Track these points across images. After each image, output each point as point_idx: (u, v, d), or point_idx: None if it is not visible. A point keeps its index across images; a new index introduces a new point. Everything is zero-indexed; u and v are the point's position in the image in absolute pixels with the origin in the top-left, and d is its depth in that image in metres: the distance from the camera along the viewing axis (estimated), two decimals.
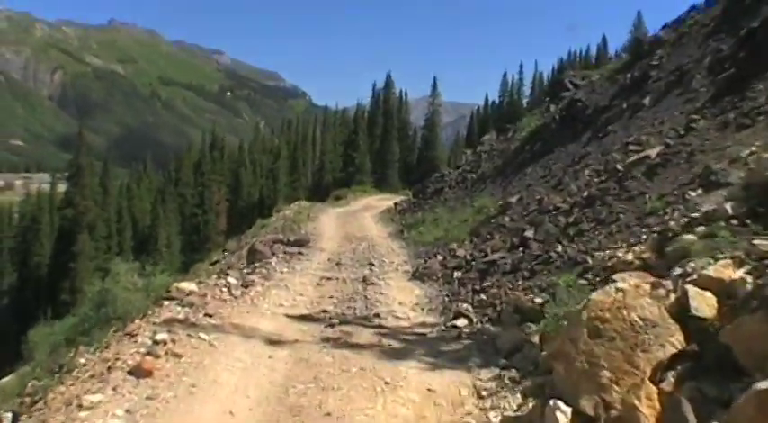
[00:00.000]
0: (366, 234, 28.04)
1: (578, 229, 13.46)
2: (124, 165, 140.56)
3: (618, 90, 22.65)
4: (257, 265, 17.72)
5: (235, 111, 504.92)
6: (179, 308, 11.29)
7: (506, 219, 18.54)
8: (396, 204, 42.04)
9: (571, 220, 14.27)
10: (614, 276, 7.96)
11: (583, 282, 10.40)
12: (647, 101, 19.93)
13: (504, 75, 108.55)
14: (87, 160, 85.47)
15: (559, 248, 13.00)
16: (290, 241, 22.09)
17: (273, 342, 9.91)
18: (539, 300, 10.58)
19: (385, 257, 20.55)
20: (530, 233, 15.19)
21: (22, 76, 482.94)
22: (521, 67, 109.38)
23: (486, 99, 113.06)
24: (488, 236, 17.94)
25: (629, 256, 10.28)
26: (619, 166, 15.59)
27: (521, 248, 14.87)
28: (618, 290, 6.66)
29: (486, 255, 15.98)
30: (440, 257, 18.22)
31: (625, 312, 6.41)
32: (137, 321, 10.91)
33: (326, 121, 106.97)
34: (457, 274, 15.82)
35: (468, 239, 19.23)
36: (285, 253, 19.85)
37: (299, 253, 20.19)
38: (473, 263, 16.07)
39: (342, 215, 39.23)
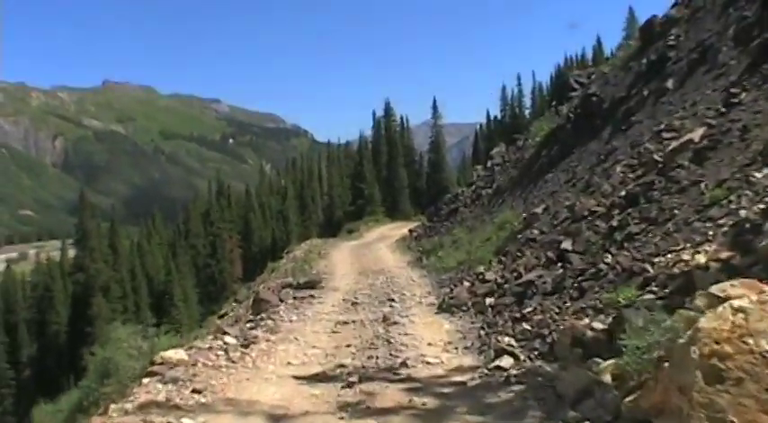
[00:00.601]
0: (382, 266, 26.12)
1: (627, 234, 11.42)
2: (136, 223, 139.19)
3: (634, 78, 20.69)
4: (263, 315, 15.70)
5: (239, 157, 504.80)
6: (160, 385, 9.20)
7: (535, 232, 16.49)
8: (410, 231, 40.19)
9: (614, 223, 12.22)
10: (713, 289, 5.96)
11: (648, 296, 8.38)
12: (670, 84, 17.96)
13: (503, 88, 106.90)
14: (93, 223, 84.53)
15: (608, 258, 10.96)
16: (299, 284, 20.12)
17: (278, 418, 7.85)
18: (599, 325, 8.52)
19: (405, 290, 18.57)
20: (567, 245, 13.17)
21: (24, 146, 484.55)
22: (519, 78, 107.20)
23: (488, 115, 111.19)
24: (518, 253, 15.90)
25: (701, 259, 8.31)
26: (657, 157, 13.60)
27: (559, 264, 12.86)
28: (736, 310, 4.74)
29: (519, 275, 13.96)
30: (467, 284, 16.20)
31: (752, 341, 4.54)
32: (112, 406, 8.88)
33: (330, 155, 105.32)
34: (489, 300, 13.81)
35: (495, 260, 17.23)
36: (295, 298, 17.83)
37: (311, 296, 18.18)
38: (506, 286, 14.07)
39: (355, 248, 37.35)
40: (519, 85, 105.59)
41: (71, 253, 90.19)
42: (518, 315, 11.71)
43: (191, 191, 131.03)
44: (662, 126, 15.63)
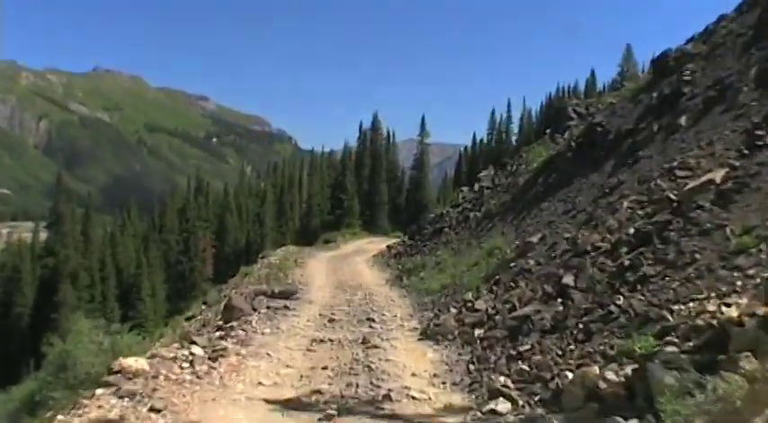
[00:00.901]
0: (361, 281, 25.06)
1: (640, 275, 10.42)
2: (112, 213, 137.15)
3: (644, 111, 19.78)
4: (234, 324, 14.56)
5: (221, 156, 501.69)
6: (114, 400, 7.99)
7: (531, 262, 15.44)
8: (389, 247, 39.16)
9: (625, 262, 11.22)
10: None
11: (671, 349, 7.37)
12: (683, 120, 17.06)
13: (492, 112, 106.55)
14: (68, 207, 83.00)
15: (620, 300, 9.96)
16: (274, 293, 18.96)
17: None
18: (613, 376, 7.46)
19: (386, 310, 17.51)
20: (568, 280, 12.16)
21: (8, 124, 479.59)
22: (508, 103, 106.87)
23: (474, 138, 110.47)
24: (511, 284, 14.86)
25: (733, 312, 7.32)
26: (671, 195, 12.63)
27: (559, 300, 11.85)
28: None
29: (513, 307, 12.94)
30: (453, 310, 15.17)
31: None
32: (59, 417, 7.75)
33: (313, 163, 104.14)
34: (479, 332, 12.77)
35: (484, 287, 16.20)
36: (268, 308, 16.70)
37: (286, 307, 17.06)
38: (497, 318, 13.03)
39: (332, 260, 36.24)
40: (508, 110, 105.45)
41: (43, 236, 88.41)
42: (513, 352, 10.67)
43: (170, 185, 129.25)
44: (674, 163, 14.70)
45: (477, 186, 34.94)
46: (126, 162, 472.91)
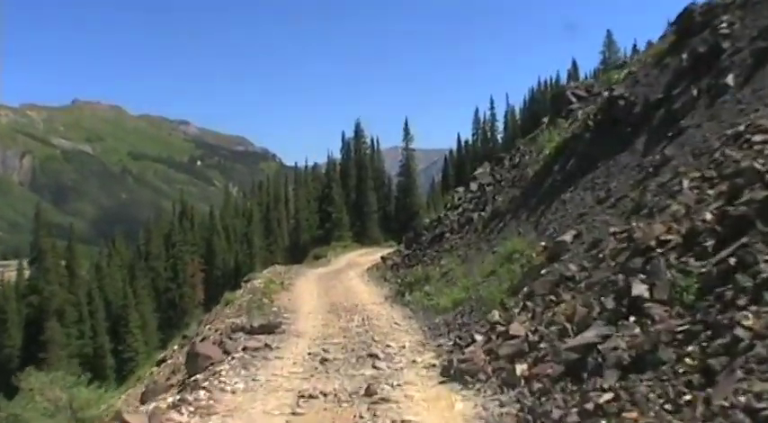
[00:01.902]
0: (356, 301, 21.66)
1: (764, 277, 7.06)
2: (105, 244, 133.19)
3: (674, 76, 16.47)
4: (199, 377, 11.15)
5: (206, 179, 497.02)
6: None
7: (572, 267, 11.96)
8: (383, 258, 35.86)
9: (730, 260, 7.84)
10: None
11: None
12: (730, 79, 13.78)
13: (476, 111, 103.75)
14: (49, 242, 79.58)
15: (749, 319, 6.57)
16: (253, 328, 15.47)
17: None
18: None
19: (390, 339, 14.07)
20: (641, 289, 8.72)
21: None
22: (491, 102, 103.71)
23: (459, 140, 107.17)
24: (551, 297, 11.41)
25: None
26: (757, 165, 9.32)
27: (632, 319, 8.46)
28: None
29: (565, 331, 9.51)
30: (479, 337, 11.67)
31: None
32: None
33: (298, 178, 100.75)
34: (521, 368, 9.30)
35: (511, 303, 12.77)
36: (245, 349, 13.15)
37: (267, 346, 13.53)
38: (543, 346, 9.63)
39: (323, 277, 32.82)
40: (492, 108, 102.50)
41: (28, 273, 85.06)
42: (588, 404, 7.24)
43: (158, 212, 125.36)
44: (740, 128, 11.43)
45: (474, 185, 31.67)
46: (112, 192, 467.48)
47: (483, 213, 23.97)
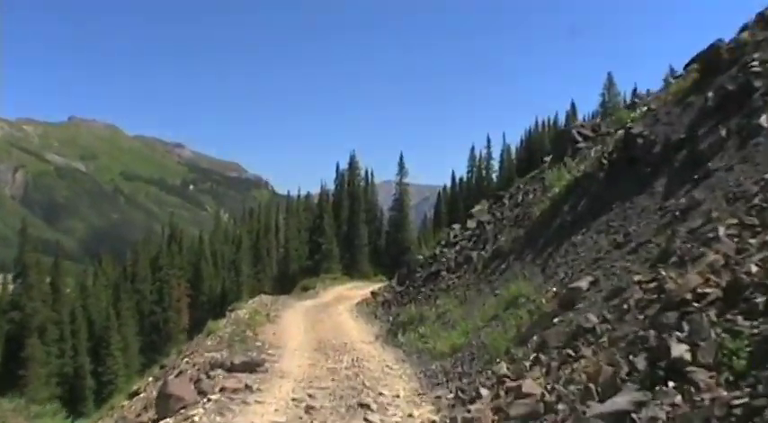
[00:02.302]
0: (345, 339, 20.30)
1: None
2: (92, 263, 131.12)
3: (698, 115, 15.35)
4: (170, 422, 9.84)
5: (198, 203, 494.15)
6: None
7: (591, 318, 10.66)
8: (373, 294, 34.52)
9: None
10: None
11: None
12: (764, 120, 12.67)
13: (472, 149, 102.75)
14: (33, 257, 77.64)
15: None
16: (234, 365, 14.11)
17: None
18: None
19: (383, 385, 12.77)
20: (680, 350, 7.48)
21: None
22: (488, 140, 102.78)
23: (453, 177, 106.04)
24: (569, 352, 10.13)
25: None
26: None
27: (671, 384, 7.23)
28: None
29: (589, 393, 8.25)
30: (484, 391, 10.37)
31: None
32: None
33: (289, 207, 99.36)
34: None
35: (520, 353, 11.48)
36: (222, 390, 11.80)
37: (247, 387, 12.16)
38: (561, 407, 8.33)
39: (311, 311, 31.42)
40: (488, 146, 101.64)
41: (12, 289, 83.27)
42: None
43: (148, 234, 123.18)
44: None
45: (472, 222, 30.49)
46: (103, 211, 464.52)
47: (483, 252, 22.65)
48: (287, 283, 71.17)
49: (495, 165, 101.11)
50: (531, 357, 10.87)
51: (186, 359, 19.34)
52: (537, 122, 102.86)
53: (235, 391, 11.84)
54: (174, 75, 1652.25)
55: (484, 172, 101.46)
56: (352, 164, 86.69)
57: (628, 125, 17.94)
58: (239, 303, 36.79)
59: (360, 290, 44.43)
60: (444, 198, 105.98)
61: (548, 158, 31.89)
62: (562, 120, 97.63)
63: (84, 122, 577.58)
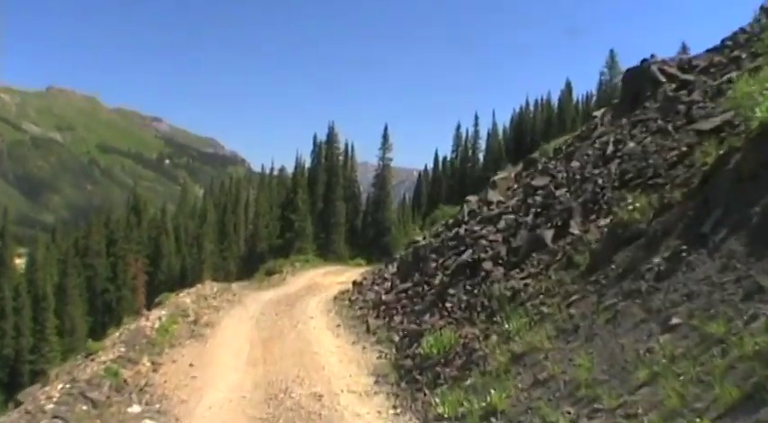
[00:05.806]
0: (318, 384, 10.20)
1: None
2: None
3: None
4: None
5: (174, 179, 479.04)
6: None
7: None
8: (356, 284, 25.00)
9: None
10: None
11: None
12: None
13: (458, 127, 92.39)
14: None
15: None
16: None
17: None
18: None
19: None
20: None
21: None
22: (476, 119, 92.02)
23: (436, 156, 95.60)
24: None
25: None
26: None
27: None
28: None
29: None
30: None
31: None
32: None
33: (262, 181, 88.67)
34: None
35: None
36: None
37: None
38: None
39: (269, 310, 21.01)
40: (476, 125, 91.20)
41: None
42: None
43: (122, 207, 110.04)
44: None
45: (499, 193, 20.70)
46: (78, 183, 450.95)
47: (573, 234, 12.09)
48: (255, 262, 61.22)
49: (483, 145, 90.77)
50: None
51: (44, 396, 9.36)
52: (527, 101, 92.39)
53: None
54: (155, 47, 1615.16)
55: (471, 152, 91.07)
56: (331, 136, 75.65)
57: None
58: (168, 295, 26.45)
59: (336, 276, 34.39)
60: (425, 179, 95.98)
61: (598, 112, 23.57)
62: (556, 99, 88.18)
63: (63, 92, 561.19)
